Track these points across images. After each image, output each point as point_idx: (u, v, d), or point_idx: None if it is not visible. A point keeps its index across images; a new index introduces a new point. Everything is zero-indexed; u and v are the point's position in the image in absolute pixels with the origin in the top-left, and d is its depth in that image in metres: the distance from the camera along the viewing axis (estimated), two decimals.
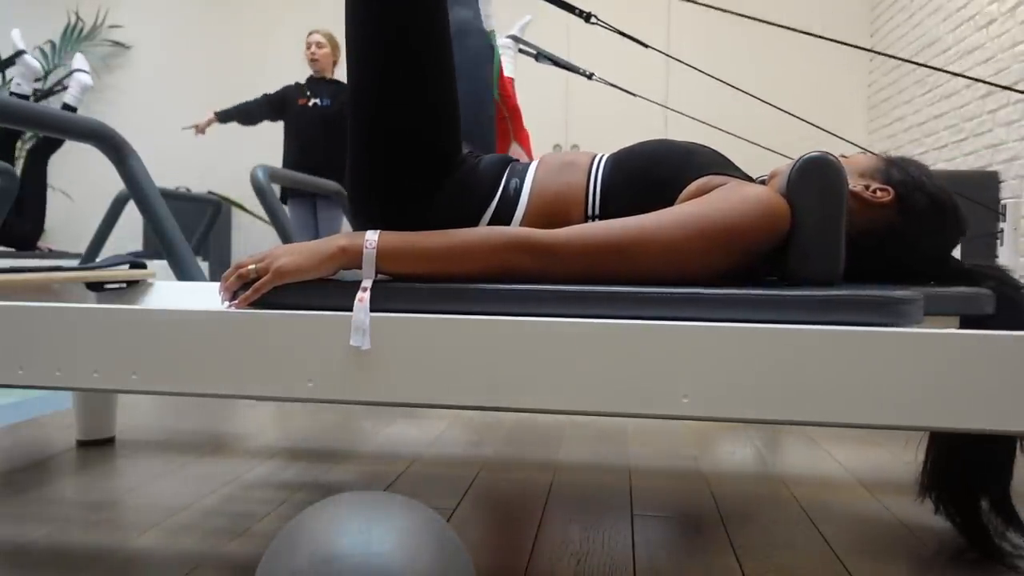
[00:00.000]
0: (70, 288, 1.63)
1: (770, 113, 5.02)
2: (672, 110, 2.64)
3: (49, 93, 4.05)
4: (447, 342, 0.84)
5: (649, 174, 1.04)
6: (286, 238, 2.38)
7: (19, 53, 3.94)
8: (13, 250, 3.99)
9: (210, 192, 5.47)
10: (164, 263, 3.36)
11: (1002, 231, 2.24)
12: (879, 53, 1.23)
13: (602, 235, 0.93)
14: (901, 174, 1.08)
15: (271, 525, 1.31)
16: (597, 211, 1.06)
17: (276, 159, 5.49)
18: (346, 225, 5.33)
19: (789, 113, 1.71)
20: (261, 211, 5.54)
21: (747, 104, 5.04)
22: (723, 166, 1.05)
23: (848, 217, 1.06)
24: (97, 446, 1.82)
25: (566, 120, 5.24)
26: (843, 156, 1.13)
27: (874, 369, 0.77)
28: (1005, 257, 2.22)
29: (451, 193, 1.07)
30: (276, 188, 5.03)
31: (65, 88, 4.06)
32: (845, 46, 4.94)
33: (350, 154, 1.10)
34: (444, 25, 1.06)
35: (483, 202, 1.08)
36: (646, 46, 1.70)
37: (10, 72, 3.87)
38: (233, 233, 5.61)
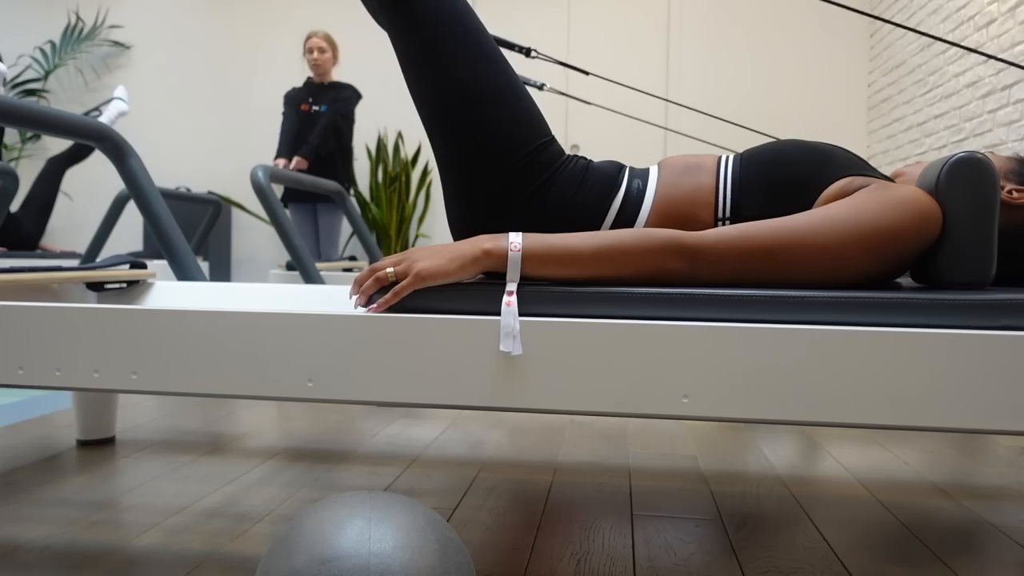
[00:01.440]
0: (70, 288, 1.63)
1: (770, 114, 5.02)
2: (672, 102, 2.64)
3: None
4: (591, 347, 0.82)
5: (786, 175, 1.02)
6: (286, 238, 2.38)
7: (110, 100, 4.02)
8: (5, 249, 3.99)
9: (210, 192, 5.47)
10: (164, 263, 3.36)
11: None
12: (881, 19, 1.23)
13: (755, 238, 0.91)
14: None
15: (271, 525, 1.31)
16: (728, 213, 1.04)
17: None
18: (346, 226, 5.33)
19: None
20: (261, 211, 5.54)
21: (747, 105, 5.04)
22: (863, 167, 1.03)
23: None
24: (97, 446, 1.82)
25: (566, 120, 5.24)
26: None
27: (1007, 371, 0.75)
28: None
29: (566, 190, 1.06)
30: (277, 189, 5.03)
31: (100, 113, 4.09)
32: (845, 48, 4.94)
33: (450, 182, 1.09)
34: (484, 31, 1.09)
35: (604, 202, 1.07)
36: (635, 58, 1.68)
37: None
38: (233, 233, 5.61)
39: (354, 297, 0.94)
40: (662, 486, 1.57)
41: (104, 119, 4.07)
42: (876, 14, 4.83)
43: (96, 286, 1.66)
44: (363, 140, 5.37)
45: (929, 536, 1.31)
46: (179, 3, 5.63)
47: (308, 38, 4.14)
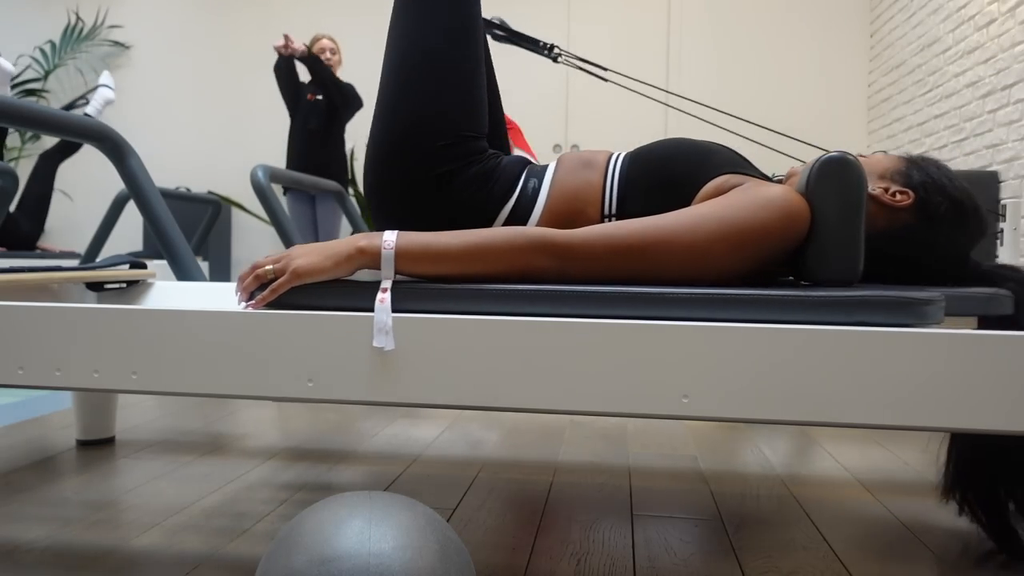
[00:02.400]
0: (70, 288, 1.63)
1: (770, 114, 5.02)
2: (674, 104, 2.65)
3: (71, 107, 4.06)
4: (459, 343, 0.84)
5: (667, 173, 1.04)
6: (286, 238, 2.38)
7: (96, 87, 4.03)
8: (4, 249, 3.99)
9: (210, 192, 5.47)
10: (164, 263, 3.36)
11: (1002, 231, 2.24)
12: None
13: (622, 236, 0.93)
14: (921, 176, 1.08)
15: (271, 525, 1.31)
16: (614, 210, 1.06)
17: (276, 159, 5.49)
18: (345, 222, 5.33)
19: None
20: (261, 211, 5.54)
21: (747, 106, 5.04)
22: (741, 165, 1.04)
23: (867, 219, 1.06)
24: (97, 446, 1.82)
25: (566, 120, 5.24)
26: (861, 156, 1.12)
27: (893, 369, 0.76)
28: (1005, 257, 2.22)
29: (470, 185, 1.08)
30: (276, 188, 5.04)
31: (87, 102, 4.08)
32: (845, 48, 4.94)
33: (375, 139, 1.10)
34: (477, 12, 1.10)
35: (501, 200, 1.08)
36: (635, 62, 1.69)
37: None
38: (233, 233, 5.61)
39: (238, 293, 0.96)
40: (662, 486, 1.57)
41: (91, 109, 4.06)
42: (876, 14, 4.83)
43: (96, 286, 1.66)
44: (363, 140, 5.37)
45: (929, 536, 1.31)
46: (179, 3, 5.63)
47: (315, 40, 4.15)
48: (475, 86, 1.09)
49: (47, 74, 5.66)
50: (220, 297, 1.59)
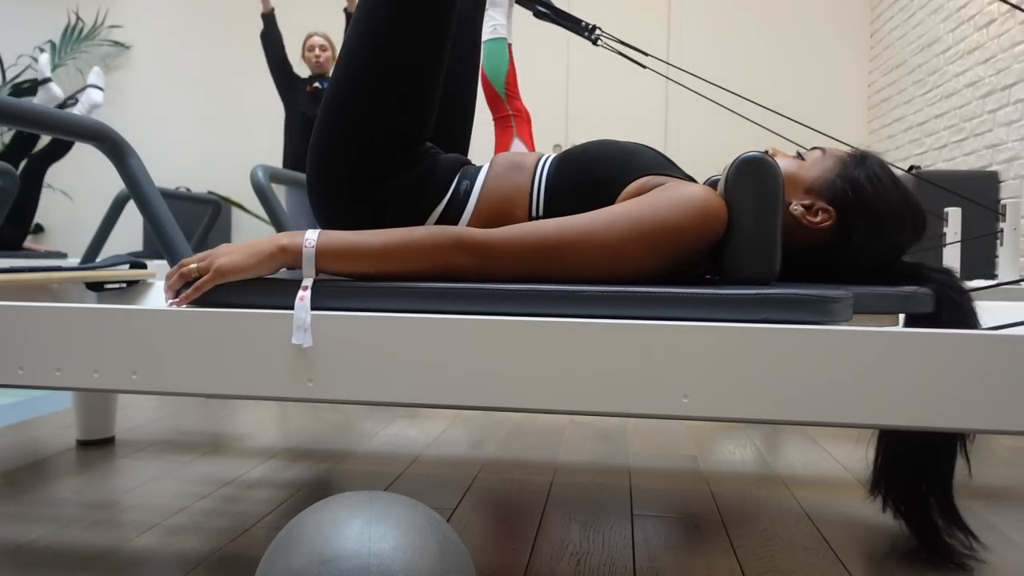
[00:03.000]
0: (70, 288, 1.63)
1: (770, 114, 5.02)
2: (676, 79, 2.64)
3: (63, 106, 4.05)
4: (388, 340, 0.85)
5: (590, 174, 1.05)
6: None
7: (45, 80, 3.98)
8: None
9: (210, 192, 5.47)
10: (164, 263, 3.36)
11: (1002, 231, 2.24)
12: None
13: (539, 235, 0.94)
14: (850, 191, 1.04)
15: (271, 525, 1.31)
16: (541, 212, 1.07)
17: (276, 159, 5.49)
18: None
19: (789, 118, 1.71)
20: (261, 211, 5.54)
21: (747, 105, 5.04)
22: (663, 166, 1.04)
23: (786, 230, 1.06)
24: (97, 446, 1.82)
25: (566, 120, 5.24)
26: (800, 157, 1.10)
27: (805, 367, 0.77)
28: (1005, 257, 2.22)
29: (404, 186, 1.08)
30: (279, 188, 5.03)
31: (76, 102, 4.05)
32: (845, 48, 4.94)
33: (316, 135, 1.11)
34: (446, 19, 1.08)
35: (433, 201, 1.09)
36: (643, 60, 1.69)
37: (35, 100, 3.87)
38: (233, 233, 5.61)
39: (165, 292, 0.97)
40: (662, 486, 1.57)
41: (79, 109, 4.03)
42: (876, 14, 4.83)
43: (96, 286, 1.66)
44: None
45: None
46: (179, 3, 5.63)
47: (308, 37, 4.14)
48: (426, 92, 1.08)
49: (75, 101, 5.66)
50: (164, 296, 1.59)
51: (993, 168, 3.43)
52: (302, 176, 2.67)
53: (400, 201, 1.08)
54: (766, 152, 0.96)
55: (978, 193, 3.20)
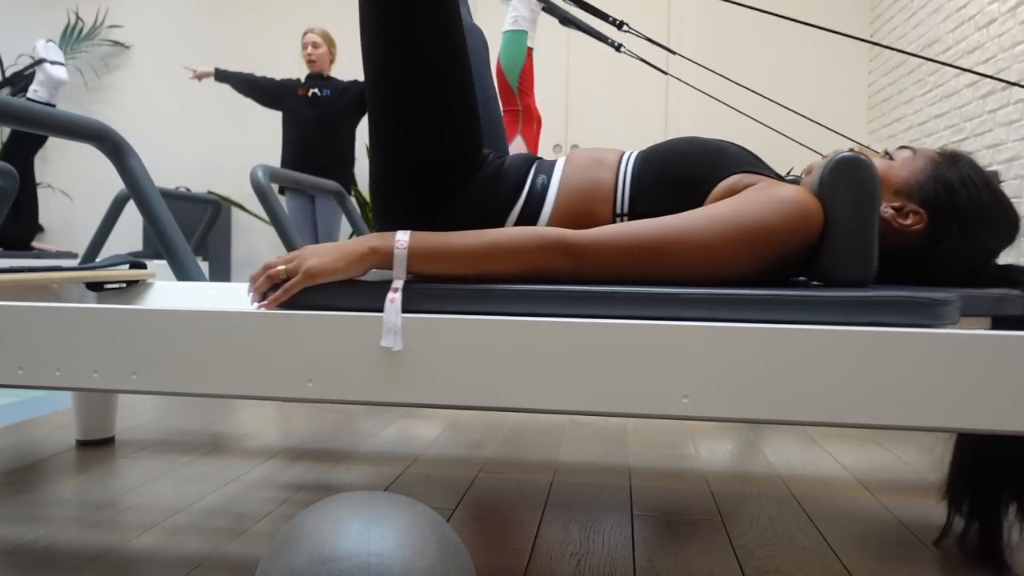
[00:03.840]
0: (70, 288, 1.63)
1: (771, 114, 5.02)
2: (673, 105, 2.64)
3: (17, 80, 3.95)
4: (466, 343, 0.84)
5: (679, 172, 1.03)
6: (286, 238, 2.38)
7: (40, 61, 3.90)
8: (1, 250, 3.98)
9: (210, 192, 5.47)
10: (164, 263, 3.36)
11: None
12: (878, 44, 1.23)
13: (636, 236, 0.92)
14: (943, 193, 1.02)
15: (271, 525, 1.31)
16: (626, 209, 1.05)
17: (276, 159, 5.49)
18: (346, 225, 5.33)
19: (792, 112, 1.71)
20: (261, 211, 5.54)
21: (747, 105, 5.04)
22: (754, 164, 1.03)
23: (878, 233, 1.04)
24: (97, 446, 1.82)
25: (566, 120, 5.24)
26: (889, 157, 1.08)
27: (909, 369, 0.76)
28: (1005, 257, 2.22)
29: (476, 193, 1.07)
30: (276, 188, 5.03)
31: (31, 79, 3.85)
32: (845, 48, 4.94)
33: (374, 162, 1.09)
34: (458, 25, 1.07)
35: (510, 201, 1.07)
36: (670, 50, 1.70)
37: (34, 82, 3.80)
38: (233, 233, 5.61)
39: (251, 294, 0.95)
40: (662, 486, 1.57)
41: (42, 95, 3.79)
42: (876, 14, 4.83)
43: (96, 286, 1.66)
44: (362, 140, 5.38)
45: (929, 536, 1.31)
46: (179, 3, 5.63)
47: (304, 34, 4.11)
48: (467, 104, 1.07)
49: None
50: (220, 297, 1.59)
51: (993, 168, 3.43)
52: (302, 177, 2.67)
53: (477, 207, 1.07)
54: (852, 151, 0.95)
55: None
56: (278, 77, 5.49)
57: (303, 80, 4.10)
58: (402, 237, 0.93)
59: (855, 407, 0.78)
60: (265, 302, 0.93)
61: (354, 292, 0.93)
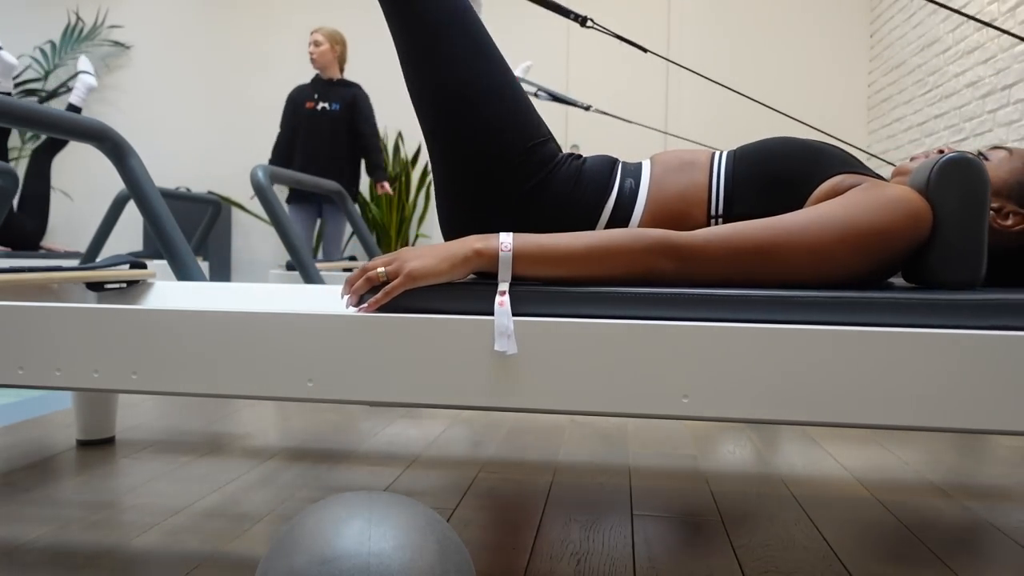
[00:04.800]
0: (70, 288, 1.63)
1: (771, 114, 5.02)
2: (672, 106, 2.65)
3: (53, 95, 4.05)
4: (576, 347, 0.83)
5: (778, 173, 1.02)
6: (286, 238, 2.38)
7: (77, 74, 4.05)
8: (10, 249, 3.99)
9: (210, 192, 5.47)
10: (164, 263, 3.36)
11: None
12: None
13: (745, 237, 0.91)
14: None
15: (271, 525, 1.31)
16: (720, 211, 1.04)
17: None
18: (349, 228, 5.33)
19: (790, 117, 1.71)
20: (261, 211, 5.54)
21: (747, 104, 5.04)
22: (855, 165, 1.02)
23: None
24: (97, 446, 1.82)
25: (566, 120, 5.24)
26: (984, 158, 1.07)
27: (1004, 373, 0.75)
28: None
29: (560, 193, 1.06)
30: (282, 191, 5.03)
31: (70, 89, 4.09)
32: (845, 48, 4.94)
33: (443, 181, 1.08)
34: (480, 26, 1.07)
35: (598, 202, 1.06)
36: (644, 50, 1.70)
37: None
38: (233, 233, 5.61)
39: (346, 297, 0.93)
40: (662, 486, 1.57)
41: (74, 98, 4.06)
42: (876, 14, 4.83)
43: (96, 286, 1.66)
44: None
45: (929, 536, 1.31)
46: (179, 3, 5.63)
47: (311, 33, 4.06)
48: (516, 94, 1.06)
49: (47, 74, 5.66)
50: (220, 297, 1.59)
51: None
52: (303, 177, 2.67)
53: (563, 208, 1.06)
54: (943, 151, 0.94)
55: None
56: (279, 78, 5.49)
57: (311, 86, 4.00)
58: (506, 239, 0.91)
59: (855, 407, 0.78)
60: (364, 305, 0.91)
61: (454, 295, 0.91)
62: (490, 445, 1.89)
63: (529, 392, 0.84)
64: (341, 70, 4.05)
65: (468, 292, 0.91)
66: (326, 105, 3.93)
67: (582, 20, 1.63)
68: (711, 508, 1.44)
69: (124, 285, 1.68)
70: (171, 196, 3.47)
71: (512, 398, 0.84)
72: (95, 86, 4.11)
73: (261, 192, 2.31)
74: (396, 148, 5.19)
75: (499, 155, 1.05)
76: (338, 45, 4.02)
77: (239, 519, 1.33)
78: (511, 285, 0.90)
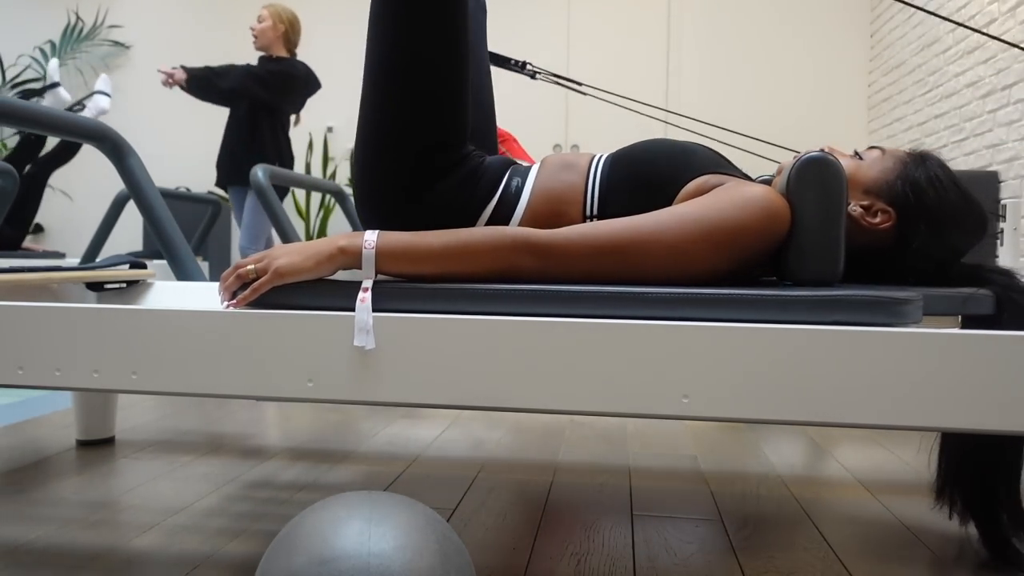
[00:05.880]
0: (70, 288, 1.63)
1: (771, 114, 5.02)
2: (673, 107, 2.64)
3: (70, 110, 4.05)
4: (449, 342, 0.84)
5: (647, 173, 1.05)
6: (286, 238, 2.38)
7: (54, 85, 3.97)
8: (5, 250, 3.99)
9: (210, 192, 5.47)
10: (164, 263, 3.36)
11: (1002, 231, 2.24)
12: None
13: (603, 236, 0.93)
14: (911, 193, 1.03)
15: (271, 525, 1.31)
16: (595, 211, 1.06)
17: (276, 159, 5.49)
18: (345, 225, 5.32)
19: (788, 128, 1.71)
20: None
21: (747, 106, 5.04)
22: (722, 165, 1.05)
23: (846, 232, 1.05)
24: (97, 446, 1.82)
25: (566, 120, 5.24)
26: (859, 156, 1.09)
27: (874, 369, 0.77)
28: (1005, 257, 2.22)
29: (452, 187, 1.08)
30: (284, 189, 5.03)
31: (83, 107, 4.03)
32: (845, 48, 4.94)
33: (358, 142, 1.11)
34: (463, 12, 1.08)
35: (483, 200, 1.09)
36: (639, 62, 1.70)
37: (42, 102, 3.87)
38: (233, 233, 5.61)
39: (221, 292, 0.96)
40: (662, 486, 1.57)
41: (87, 115, 4.05)
42: (876, 14, 4.83)
43: (96, 286, 1.66)
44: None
45: (929, 536, 1.31)
46: (179, 3, 5.63)
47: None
48: (455, 90, 1.07)
49: (47, 74, 5.66)
50: (220, 297, 1.59)
51: (993, 168, 3.43)
52: (303, 177, 2.67)
53: (451, 203, 1.08)
54: (823, 151, 0.96)
55: (978, 193, 3.20)
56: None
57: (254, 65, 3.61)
58: (370, 237, 0.94)
59: (854, 407, 0.78)
60: (234, 301, 0.94)
61: (324, 292, 0.94)
62: (490, 445, 1.89)
63: (387, 386, 0.86)
64: (289, 52, 3.66)
65: (336, 288, 0.93)
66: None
67: (521, 65, 1.65)
68: (711, 508, 1.44)
69: (124, 285, 1.68)
70: (171, 196, 3.47)
71: (371, 392, 0.86)
72: (107, 110, 3.93)
73: (261, 192, 2.31)
74: None
75: (409, 138, 1.06)
76: (283, 24, 3.62)
77: (239, 519, 1.33)
78: (379, 282, 0.93)
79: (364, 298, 0.88)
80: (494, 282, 0.92)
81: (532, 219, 1.08)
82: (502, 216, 1.08)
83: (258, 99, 3.50)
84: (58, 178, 5.77)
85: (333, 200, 4.81)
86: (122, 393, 0.92)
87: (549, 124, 5.25)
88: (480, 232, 0.94)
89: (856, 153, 1.10)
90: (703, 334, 0.80)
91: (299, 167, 5.43)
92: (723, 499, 1.49)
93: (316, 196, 5.40)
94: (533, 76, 1.67)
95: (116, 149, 1.61)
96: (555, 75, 1.71)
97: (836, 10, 4.97)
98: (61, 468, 1.63)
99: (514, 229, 0.94)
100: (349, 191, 5.21)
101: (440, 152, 1.08)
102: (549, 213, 1.07)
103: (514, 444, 1.90)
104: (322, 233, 5.24)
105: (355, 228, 3.14)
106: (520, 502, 1.45)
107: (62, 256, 3.94)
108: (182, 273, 1.65)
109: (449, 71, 1.07)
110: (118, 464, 1.67)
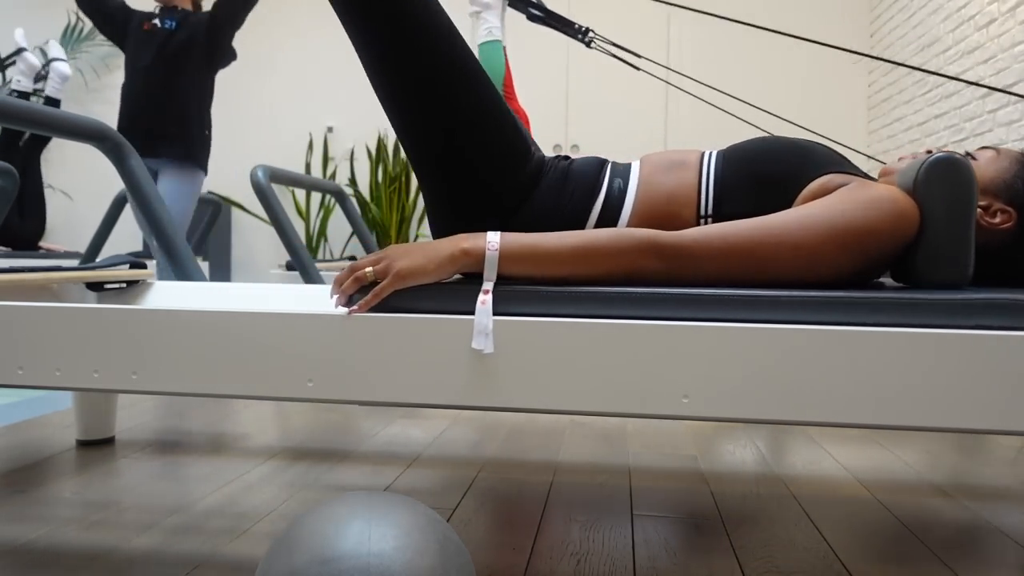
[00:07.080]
0: (70, 288, 1.63)
1: (771, 114, 5.02)
2: (672, 107, 2.64)
3: (33, 93, 4.03)
4: (572, 347, 0.82)
5: (766, 173, 1.02)
6: (286, 238, 2.37)
7: (19, 51, 3.95)
8: (10, 249, 3.99)
9: (210, 192, 5.47)
10: (160, 265, 3.34)
11: None
12: (876, 58, 1.23)
13: (732, 237, 0.91)
14: None
15: (271, 525, 1.31)
16: (710, 211, 1.04)
17: (276, 159, 5.49)
18: (347, 225, 5.32)
19: (790, 122, 1.71)
20: (261, 211, 5.54)
21: (747, 105, 5.04)
22: (843, 164, 1.02)
23: None
24: (97, 446, 1.82)
25: (566, 120, 5.24)
26: (972, 157, 1.07)
27: (994, 372, 0.75)
28: None
29: (547, 197, 1.06)
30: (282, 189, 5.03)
31: (45, 77, 3.99)
32: (845, 46, 4.93)
33: (429, 191, 1.09)
34: (459, 39, 1.06)
35: (586, 203, 1.06)
36: (640, 61, 1.70)
37: (11, 71, 3.86)
38: (233, 233, 5.61)
39: (335, 297, 0.93)
40: (662, 486, 1.57)
41: (51, 90, 3.96)
42: (876, 14, 4.83)
43: (96, 286, 1.66)
44: (363, 140, 5.38)
45: (929, 536, 1.31)
46: None
47: None
48: (501, 108, 1.06)
49: (47, 74, 5.66)
50: (220, 297, 1.59)
51: None
52: (302, 177, 2.66)
53: (550, 212, 1.06)
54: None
55: None
56: (278, 78, 5.49)
57: (147, 13, 3.11)
58: (493, 238, 0.91)
59: (854, 407, 0.78)
60: (354, 307, 0.90)
61: (439, 295, 0.91)
62: (490, 445, 1.89)
63: (506, 391, 0.84)
64: (196, 6, 3.23)
65: (456, 291, 0.91)
66: (157, 22, 3.09)
67: (588, 41, 1.63)
68: (711, 508, 1.44)
69: (124, 285, 1.68)
70: None
71: (489, 397, 0.84)
72: (69, 75, 3.90)
73: (261, 192, 2.31)
74: (396, 148, 5.19)
75: (488, 181, 1.05)
76: None
77: (239, 519, 1.33)
78: (497, 285, 0.90)
79: (485, 300, 0.85)
80: (616, 285, 0.90)
81: (640, 219, 1.05)
82: (608, 217, 1.06)
83: (204, 62, 3.12)
84: (58, 178, 5.77)
85: (333, 200, 4.81)
86: (122, 393, 0.92)
87: (549, 124, 5.25)
88: (605, 234, 0.92)
89: (967, 154, 1.08)
90: (703, 334, 0.80)
91: (299, 167, 5.43)
92: (723, 499, 1.49)
93: (316, 196, 5.40)
94: (588, 44, 1.65)
95: (116, 149, 1.61)
96: (613, 43, 1.68)
97: (836, 10, 4.97)
98: (61, 468, 1.63)
99: (640, 231, 0.92)
100: (349, 191, 5.21)
101: (521, 170, 1.05)
102: (660, 213, 1.05)
103: (514, 444, 1.90)
104: (322, 233, 5.24)
105: (356, 228, 3.13)
106: (520, 502, 1.45)
107: (80, 255, 3.94)
108: (182, 273, 1.65)
109: (484, 88, 1.05)
110: (118, 464, 1.67)
